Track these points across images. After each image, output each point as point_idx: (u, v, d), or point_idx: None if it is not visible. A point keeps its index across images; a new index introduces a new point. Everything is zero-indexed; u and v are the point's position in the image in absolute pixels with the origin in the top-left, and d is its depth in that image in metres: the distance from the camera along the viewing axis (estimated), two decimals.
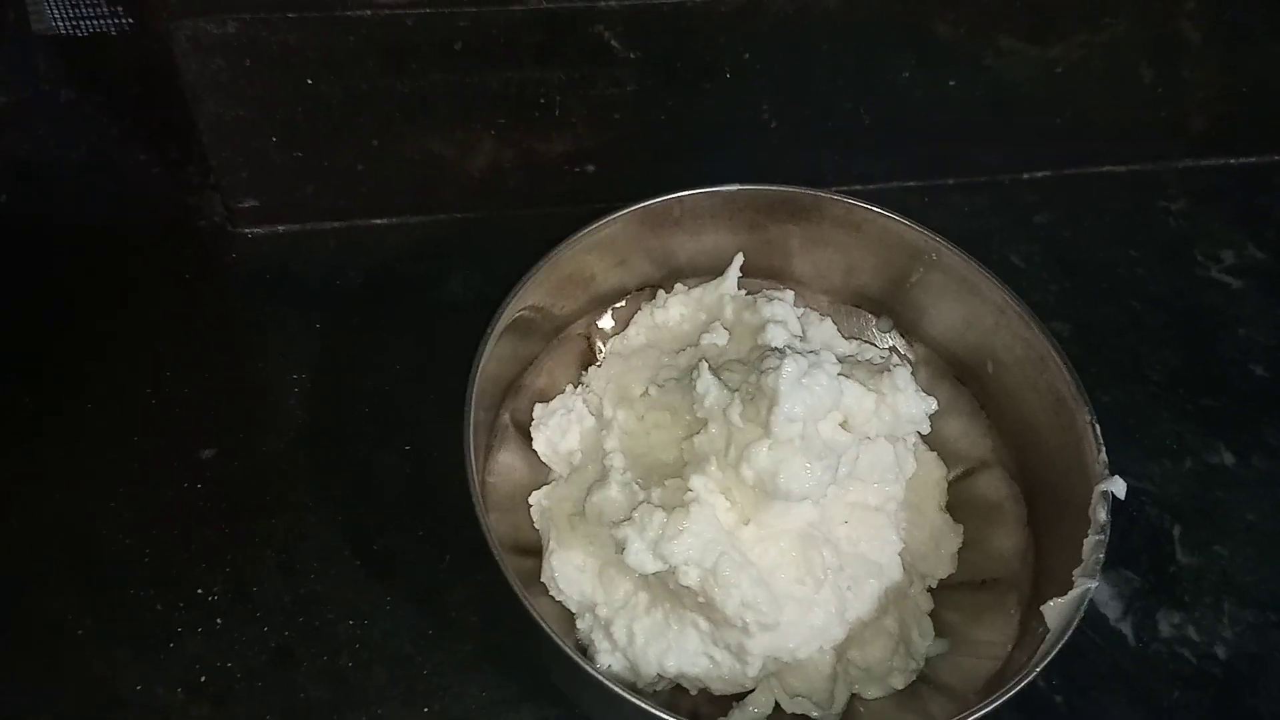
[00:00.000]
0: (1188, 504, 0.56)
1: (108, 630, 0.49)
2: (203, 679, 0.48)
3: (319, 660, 0.49)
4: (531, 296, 0.50)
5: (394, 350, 0.58)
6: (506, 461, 0.51)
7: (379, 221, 0.62)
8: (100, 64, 0.66)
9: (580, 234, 0.50)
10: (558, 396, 0.52)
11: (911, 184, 0.67)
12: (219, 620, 0.49)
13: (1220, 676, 0.51)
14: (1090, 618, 0.51)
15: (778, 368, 0.43)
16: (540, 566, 0.48)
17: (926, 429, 0.49)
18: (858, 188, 0.53)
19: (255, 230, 0.61)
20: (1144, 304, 0.64)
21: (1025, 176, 0.69)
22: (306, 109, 0.56)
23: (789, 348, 0.46)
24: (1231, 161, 0.71)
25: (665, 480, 0.46)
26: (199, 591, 0.50)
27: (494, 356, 0.48)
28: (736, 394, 0.45)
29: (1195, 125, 0.68)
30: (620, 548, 0.43)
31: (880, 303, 0.56)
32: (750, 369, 0.46)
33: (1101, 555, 0.43)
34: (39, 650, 0.48)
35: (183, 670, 0.48)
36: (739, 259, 0.53)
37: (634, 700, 0.40)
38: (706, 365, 0.47)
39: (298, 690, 0.48)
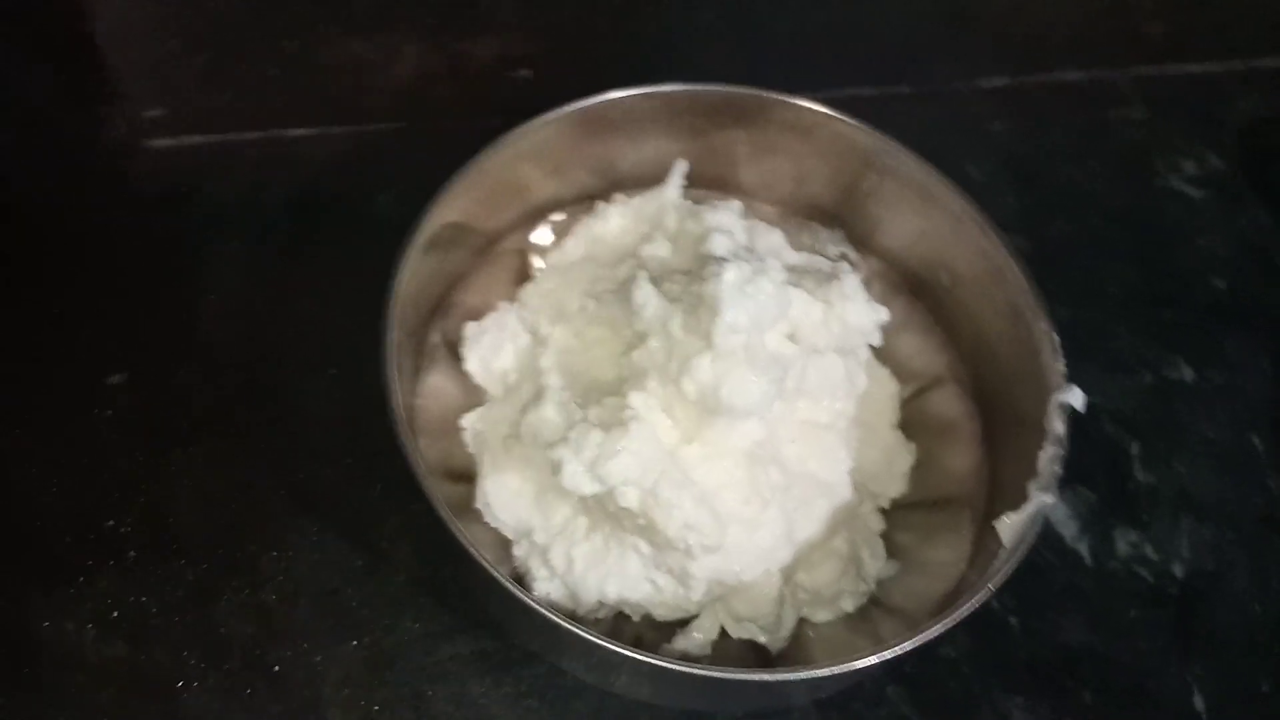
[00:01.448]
0: (1146, 420, 0.54)
1: (13, 567, 0.46)
2: (115, 615, 0.45)
3: (240, 594, 0.46)
4: (457, 208, 0.47)
5: (318, 270, 0.55)
6: (437, 384, 0.48)
7: (299, 132, 0.58)
8: None
9: (507, 138, 0.47)
10: (490, 314, 0.49)
11: (864, 92, 0.64)
12: (132, 554, 0.47)
13: (1177, 594, 0.50)
14: (1046, 537, 0.50)
15: (719, 274, 0.41)
16: (474, 492, 0.46)
17: (877, 340, 0.47)
18: (809, 95, 0.50)
19: (163, 143, 0.57)
20: (1103, 217, 0.62)
21: (982, 84, 0.66)
22: (214, 7, 0.52)
23: (733, 255, 0.43)
24: (1191, 68, 0.69)
25: (604, 399, 0.44)
26: (110, 524, 0.47)
27: (418, 273, 0.45)
28: (677, 305, 0.42)
29: (1154, 30, 0.66)
30: (556, 469, 0.41)
31: (832, 214, 0.53)
32: (692, 279, 0.43)
33: (1059, 468, 0.41)
34: None
35: (94, 607, 0.45)
36: (681, 165, 0.50)
37: (571, 628, 0.38)
38: (645, 275, 0.44)
39: (218, 626, 0.45)
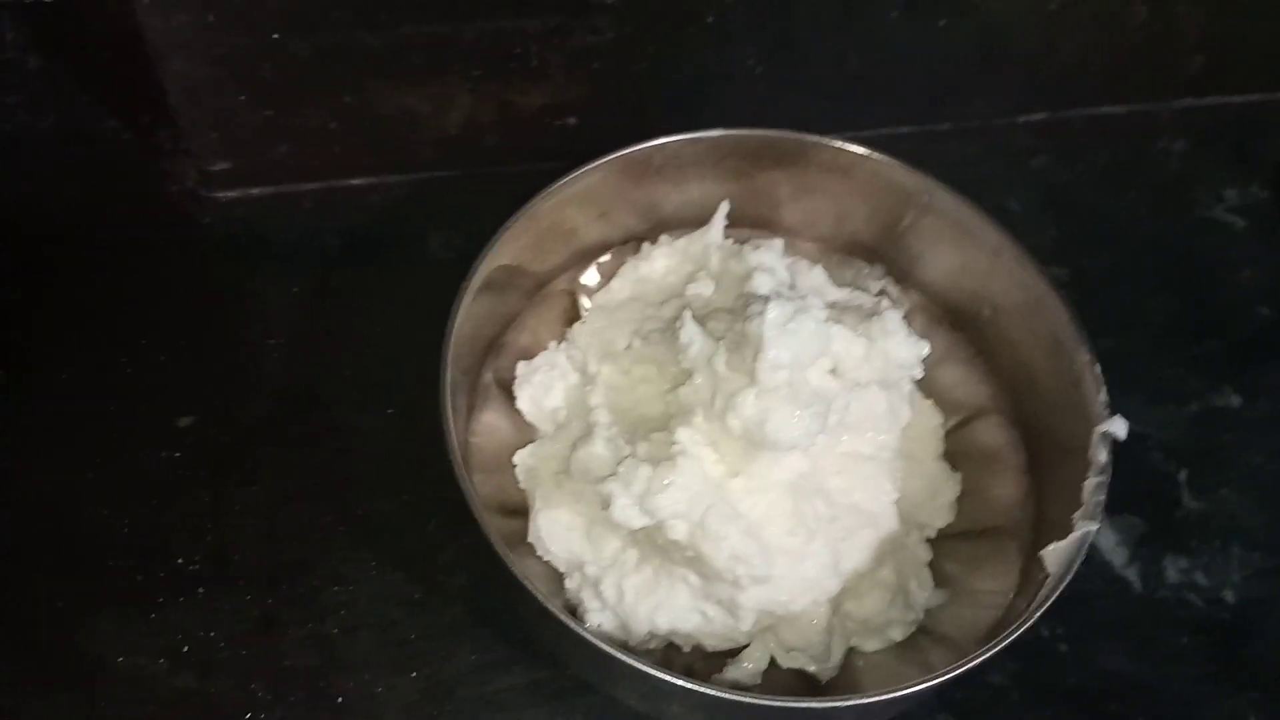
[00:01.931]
0: (1193, 448, 0.54)
1: (88, 602, 0.48)
2: (186, 649, 0.47)
3: (304, 627, 0.48)
4: (509, 252, 0.48)
5: (374, 312, 0.57)
6: (490, 421, 0.50)
7: (355, 182, 0.61)
8: (68, 29, 0.65)
9: (556, 185, 0.48)
10: (541, 353, 0.51)
11: (903, 130, 0.65)
12: (201, 589, 0.48)
13: (1228, 621, 0.49)
14: (1095, 565, 0.50)
15: (762, 313, 0.42)
16: (527, 526, 0.47)
17: (919, 373, 0.47)
18: (848, 134, 0.52)
19: (229, 194, 0.60)
20: (1144, 247, 0.62)
21: (1021, 120, 0.67)
22: (275, 65, 0.54)
23: (775, 293, 0.44)
24: (1232, 100, 0.69)
25: (652, 434, 0.45)
26: (180, 561, 0.49)
27: (472, 315, 0.47)
28: (721, 342, 0.43)
29: (1193, 63, 0.66)
30: (606, 503, 0.42)
31: (873, 250, 0.55)
32: (736, 317, 0.44)
33: (1102, 497, 0.42)
34: (19, 623, 0.47)
35: (165, 640, 0.47)
36: (724, 206, 0.52)
37: (624, 658, 0.39)
38: (690, 314, 0.45)
39: (283, 658, 0.47)
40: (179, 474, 0.51)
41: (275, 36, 0.53)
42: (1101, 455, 0.43)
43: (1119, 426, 0.43)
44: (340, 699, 0.46)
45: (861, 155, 0.51)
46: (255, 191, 0.60)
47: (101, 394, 0.53)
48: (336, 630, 0.48)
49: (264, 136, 0.57)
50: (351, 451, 0.52)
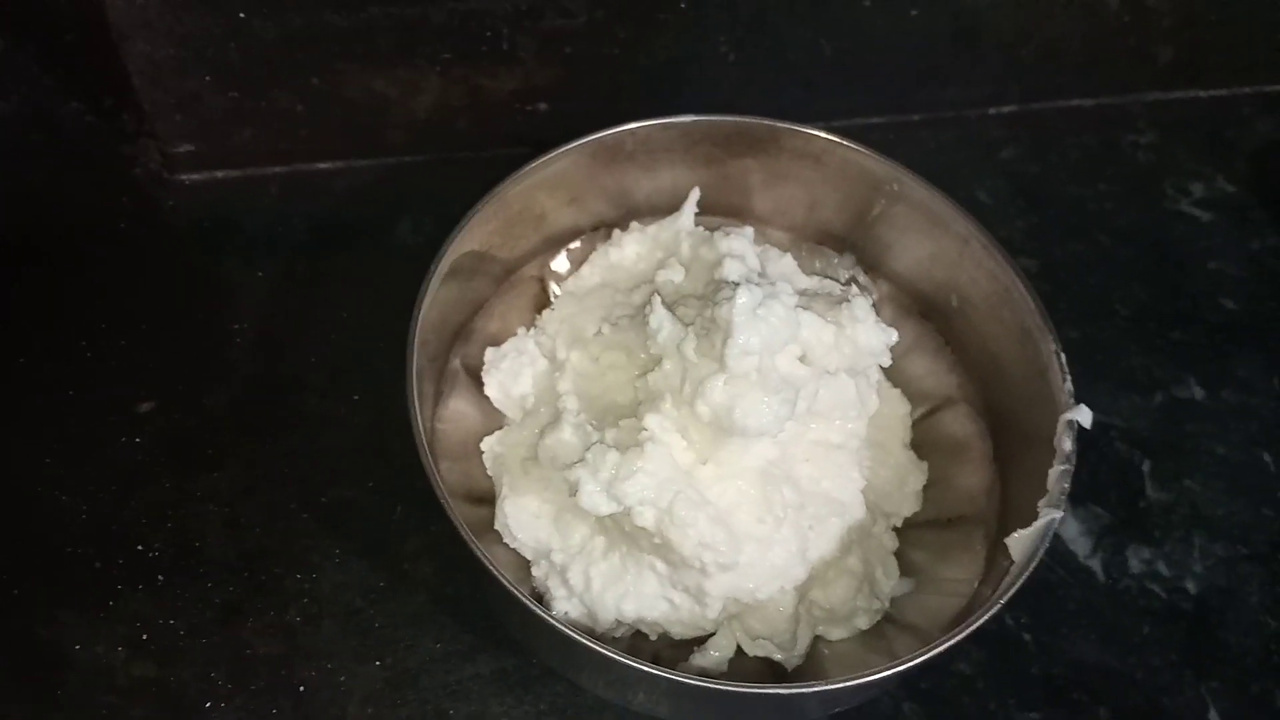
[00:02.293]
0: (1157, 439, 0.55)
1: (47, 590, 0.47)
2: (145, 637, 0.46)
3: (266, 615, 0.47)
4: (477, 237, 0.48)
5: (342, 298, 0.56)
6: (458, 408, 0.49)
7: (323, 166, 0.60)
8: (30, 10, 0.64)
9: (525, 169, 0.48)
10: (509, 340, 0.51)
11: (875, 120, 0.65)
12: (161, 577, 0.48)
13: (1190, 611, 0.50)
14: (1059, 555, 0.51)
15: (731, 298, 0.41)
16: (494, 514, 0.46)
17: (887, 361, 0.47)
18: (821, 124, 0.51)
19: (193, 177, 0.59)
20: (1113, 238, 0.62)
21: (992, 111, 0.67)
22: (240, 47, 0.53)
23: (745, 280, 0.44)
24: (1200, 94, 0.69)
25: (620, 421, 0.45)
26: (139, 548, 0.48)
27: (440, 301, 0.46)
28: (691, 328, 0.43)
29: (1163, 56, 0.67)
30: (573, 490, 0.42)
31: (843, 239, 0.54)
32: (705, 303, 0.44)
33: (1067, 485, 0.42)
34: None
35: (125, 629, 0.46)
36: (695, 193, 0.52)
37: (590, 645, 0.39)
38: (659, 300, 0.45)
39: (244, 646, 0.46)
40: (140, 460, 0.50)
41: (241, 17, 0.52)
42: (1066, 444, 0.43)
43: (1083, 415, 0.43)
44: (302, 688, 0.46)
45: (832, 143, 0.51)
46: (221, 175, 0.59)
47: (61, 379, 0.52)
48: (299, 619, 0.47)
49: (229, 119, 0.57)
50: (317, 439, 0.52)
